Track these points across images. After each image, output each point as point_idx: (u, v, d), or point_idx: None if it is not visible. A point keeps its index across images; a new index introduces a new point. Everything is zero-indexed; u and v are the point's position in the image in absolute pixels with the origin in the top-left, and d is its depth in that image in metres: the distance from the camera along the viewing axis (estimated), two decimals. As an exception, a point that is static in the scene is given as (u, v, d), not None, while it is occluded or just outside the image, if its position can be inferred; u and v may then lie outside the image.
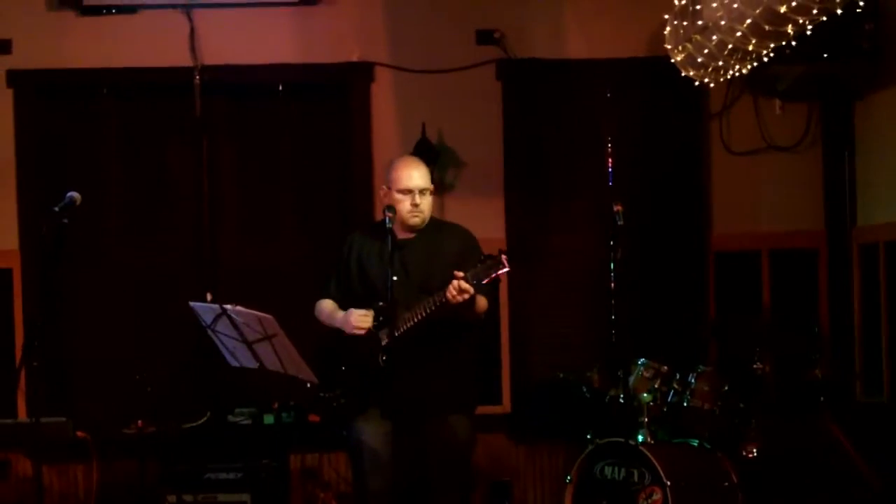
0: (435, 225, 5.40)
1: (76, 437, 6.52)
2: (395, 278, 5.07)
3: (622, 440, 5.90)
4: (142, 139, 7.15)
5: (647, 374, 6.23)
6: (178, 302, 5.74)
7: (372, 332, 5.16)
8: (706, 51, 5.90)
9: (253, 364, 5.11)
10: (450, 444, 5.23)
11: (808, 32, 5.45)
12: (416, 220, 5.27)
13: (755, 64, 6.01)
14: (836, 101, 7.17)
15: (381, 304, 5.12)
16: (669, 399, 6.20)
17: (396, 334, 5.01)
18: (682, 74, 6.34)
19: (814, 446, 6.24)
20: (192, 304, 5.15)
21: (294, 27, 7.09)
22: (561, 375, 6.88)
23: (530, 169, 7.16)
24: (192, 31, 7.00)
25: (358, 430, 5.25)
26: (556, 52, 7.12)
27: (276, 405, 6.84)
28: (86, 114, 7.13)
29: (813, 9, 5.19)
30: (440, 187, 6.97)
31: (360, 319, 5.19)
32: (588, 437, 6.16)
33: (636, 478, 5.83)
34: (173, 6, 6.98)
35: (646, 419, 6.04)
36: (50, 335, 6.70)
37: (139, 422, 6.59)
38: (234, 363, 5.21)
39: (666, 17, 6.30)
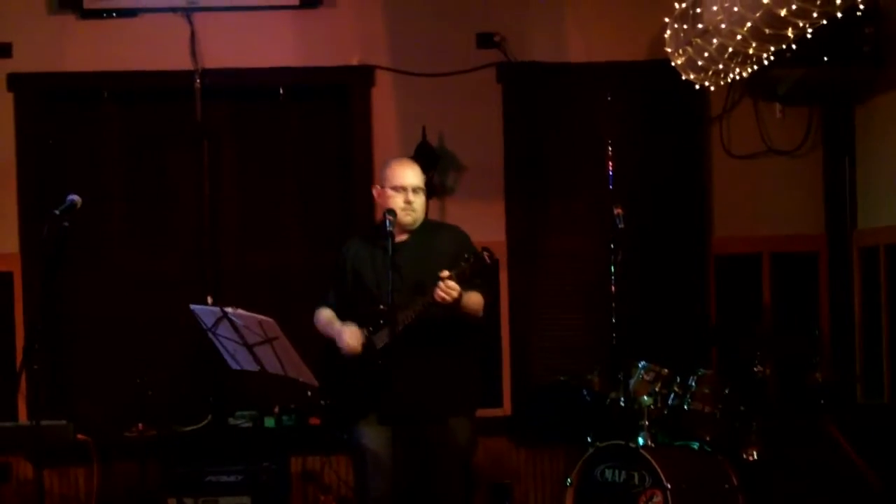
0: (429, 226, 5.40)
1: (77, 441, 6.54)
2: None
3: (623, 443, 5.89)
4: (142, 142, 7.16)
5: (647, 377, 6.22)
6: (178, 305, 5.73)
7: (369, 339, 5.16)
8: (706, 54, 5.91)
9: (254, 367, 5.11)
10: (450, 447, 5.22)
11: (809, 36, 5.43)
12: (408, 219, 5.25)
13: (755, 67, 6.01)
14: (837, 104, 7.17)
15: (381, 307, 5.12)
16: (670, 402, 6.19)
17: (391, 337, 5.01)
18: (683, 78, 6.35)
19: (815, 449, 6.24)
20: (192, 307, 5.16)
21: (295, 31, 7.09)
22: (561, 378, 6.87)
23: (531, 172, 7.16)
24: (193, 34, 7.00)
25: (359, 433, 5.24)
26: (557, 55, 7.13)
27: (276, 408, 6.86)
28: (86, 117, 7.13)
29: (813, 12, 5.18)
30: (441, 190, 6.98)
31: (350, 340, 5.17)
32: (589, 439, 6.14)
33: (637, 481, 5.82)
34: (174, 10, 6.97)
35: (646, 422, 6.03)
36: (50, 338, 6.72)
37: (140, 425, 6.59)
38: (235, 366, 5.21)
39: (666, 20, 6.31)
